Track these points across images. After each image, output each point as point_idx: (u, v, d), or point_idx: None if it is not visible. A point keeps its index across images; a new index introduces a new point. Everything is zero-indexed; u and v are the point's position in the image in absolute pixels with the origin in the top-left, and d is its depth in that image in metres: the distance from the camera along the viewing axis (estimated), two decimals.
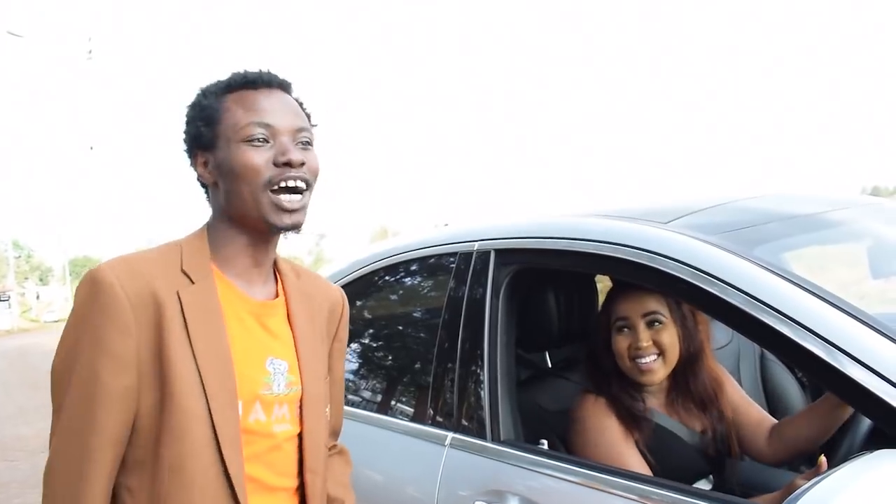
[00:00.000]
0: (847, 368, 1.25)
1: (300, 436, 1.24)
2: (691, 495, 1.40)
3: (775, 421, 1.90)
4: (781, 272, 1.42)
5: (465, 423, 1.80)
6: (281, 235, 1.24)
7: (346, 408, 2.17)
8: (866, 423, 1.62)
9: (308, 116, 1.26)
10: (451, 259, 1.98)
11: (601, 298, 2.00)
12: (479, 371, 1.80)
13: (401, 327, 2.40)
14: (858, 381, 1.23)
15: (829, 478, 1.01)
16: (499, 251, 1.86)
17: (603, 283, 2.25)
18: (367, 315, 2.50)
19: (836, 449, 1.64)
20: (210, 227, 1.24)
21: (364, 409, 2.16)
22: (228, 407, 1.12)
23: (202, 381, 1.10)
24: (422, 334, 2.22)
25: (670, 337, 1.76)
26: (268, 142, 1.17)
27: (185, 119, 1.23)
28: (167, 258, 1.17)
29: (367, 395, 2.25)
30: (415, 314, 2.32)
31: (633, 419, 1.75)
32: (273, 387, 1.20)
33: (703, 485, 1.81)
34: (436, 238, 2.13)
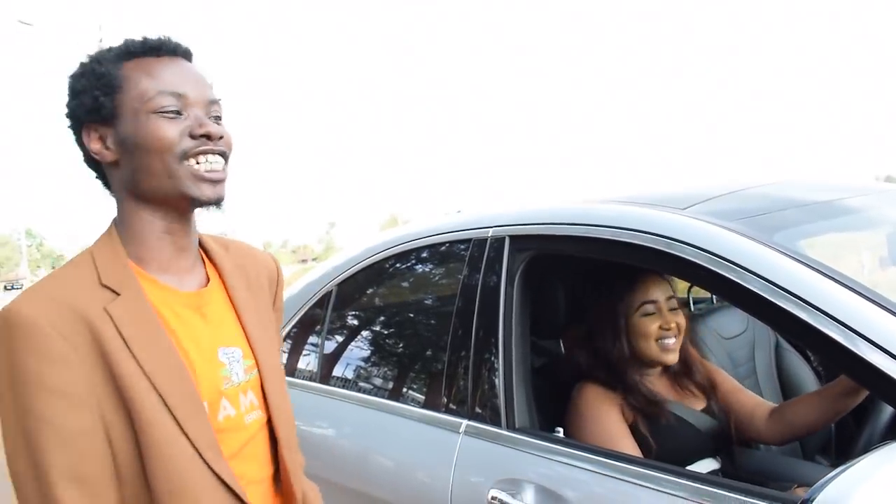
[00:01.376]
0: (866, 354, 1.23)
1: (269, 419, 1.17)
2: (710, 484, 1.39)
3: (773, 404, 1.92)
4: (799, 257, 1.41)
5: (479, 410, 1.79)
6: (199, 212, 1.12)
7: (361, 395, 2.18)
8: (887, 412, 1.60)
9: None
10: (466, 245, 1.97)
11: None
12: (493, 358, 1.79)
13: (414, 315, 2.39)
14: (878, 366, 1.21)
15: (852, 468, 0.99)
16: (514, 237, 1.84)
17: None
18: (379, 302, 2.49)
19: (856, 438, 1.62)
20: (119, 222, 1.11)
21: (377, 396, 2.16)
22: (196, 414, 1.04)
23: (162, 398, 1.01)
24: (435, 322, 2.21)
25: (683, 319, 1.85)
26: (180, 114, 1.06)
27: (72, 90, 1.08)
28: (81, 275, 1.04)
29: (380, 382, 2.24)
30: (428, 301, 2.31)
31: (638, 402, 1.79)
32: (232, 377, 1.11)
33: (711, 463, 1.83)
34: (450, 224, 2.12)
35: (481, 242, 1.91)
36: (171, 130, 1.04)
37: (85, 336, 0.99)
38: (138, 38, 1.09)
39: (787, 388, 2.49)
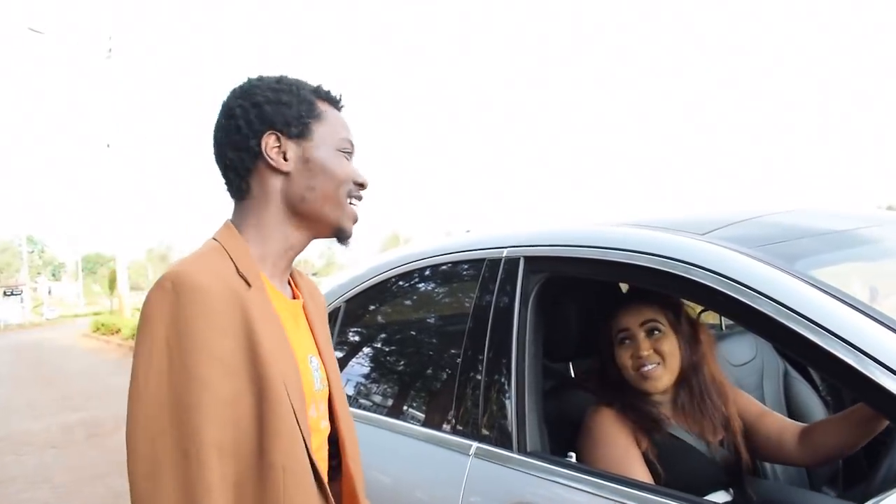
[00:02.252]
0: (879, 377, 1.22)
1: (334, 430, 1.26)
2: None
3: (801, 424, 1.89)
4: (812, 281, 1.40)
5: (490, 433, 1.77)
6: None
7: (369, 414, 2.16)
8: None
9: None
10: (479, 266, 1.95)
11: None
12: (505, 381, 1.77)
13: (424, 334, 2.37)
14: (891, 390, 1.20)
15: (886, 500, 0.97)
16: (529, 258, 1.83)
17: None
18: (388, 321, 2.47)
19: (876, 469, 1.59)
20: (248, 223, 1.20)
21: (386, 415, 2.14)
22: (303, 406, 1.13)
23: (285, 384, 1.09)
24: (446, 342, 2.19)
25: (670, 345, 1.80)
26: (350, 157, 1.24)
27: (271, 100, 1.19)
28: (224, 261, 1.13)
29: (388, 401, 2.22)
30: (438, 321, 2.29)
31: (644, 427, 1.76)
32: (316, 383, 1.21)
33: (723, 496, 1.79)
34: (462, 244, 2.11)
35: (495, 263, 1.90)
36: (349, 168, 1.23)
37: (238, 313, 1.07)
38: (325, 86, 1.26)
39: (795, 415, 2.47)
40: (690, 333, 1.85)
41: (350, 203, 1.23)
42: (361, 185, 1.25)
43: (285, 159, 1.19)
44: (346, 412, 1.29)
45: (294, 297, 1.28)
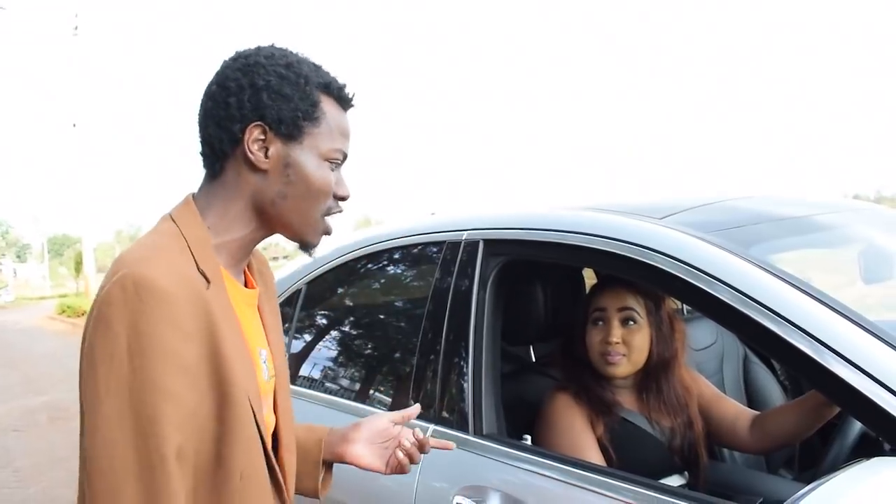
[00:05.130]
0: (833, 366, 1.23)
1: (276, 419, 1.19)
2: (676, 496, 1.38)
3: (754, 412, 1.91)
4: (769, 268, 1.40)
5: (447, 415, 1.77)
6: None
7: (327, 396, 2.15)
8: (855, 427, 1.60)
9: None
10: (439, 248, 1.94)
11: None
12: (463, 363, 1.77)
13: (384, 316, 2.36)
14: (844, 378, 1.21)
15: (826, 484, 0.98)
16: (488, 241, 1.82)
17: (591, 280, 2.22)
18: (349, 303, 2.46)
19: (824, 453, 1.62)
20: (212, 209, 1.10)
21: (343, 397, 2.13)
22: (260, 406, 1.06)
23: (244, 385, 1.03)
24: (405, 324, 2.18)
25: (641, 339, 1.78)
26: (337, 168, 1.13)
27: (272, 89, 1.06)
28: (184, 254, 1.03)
29: (347, 383, 2.21)
30: (399, 303, 2.28)
31: (600, 409, 1.76)
32: (264, 376, 1.14)
33: (677, 480, 1.81)
34: (423, 226, 2.09)
35: (455, 245, 1.89)
36: (330, 180, 1.11)
37: (202, 316, 0.98)
38: (339, 79, 1.13)
39: (753, 400, 2.50)
40: (667, 329, 1.82)
41: (327, 220, 1.13)
42: (342, 198, 1.14)
43: (266, 156, 1.07)
44: (286, 402, 1.22)
45: (248, 286, 1.18)
